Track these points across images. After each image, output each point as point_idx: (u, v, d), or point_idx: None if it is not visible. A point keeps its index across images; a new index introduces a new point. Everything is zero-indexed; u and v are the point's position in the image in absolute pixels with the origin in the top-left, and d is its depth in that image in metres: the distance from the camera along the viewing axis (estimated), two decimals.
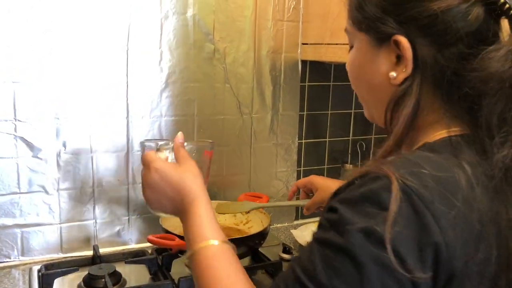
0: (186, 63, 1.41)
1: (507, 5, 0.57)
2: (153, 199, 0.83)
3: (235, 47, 1.47)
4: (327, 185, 1.19)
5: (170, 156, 0.87)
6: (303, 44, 1.56)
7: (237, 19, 1.46)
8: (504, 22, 0.59)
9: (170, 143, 0.91)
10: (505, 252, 0.56)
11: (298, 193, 1.32)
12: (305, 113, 1.64)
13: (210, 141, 1.13)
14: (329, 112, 1.67)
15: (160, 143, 0.94)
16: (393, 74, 0.63)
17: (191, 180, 0.79)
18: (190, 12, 1.39)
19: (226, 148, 1.53)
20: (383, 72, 0.64)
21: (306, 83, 1.61)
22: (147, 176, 0.81)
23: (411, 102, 0.61)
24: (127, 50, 1.34)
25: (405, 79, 0.62)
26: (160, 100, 1.40)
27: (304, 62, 1.58)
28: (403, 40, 0.61)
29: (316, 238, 0.57)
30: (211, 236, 0.72)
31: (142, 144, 1.13)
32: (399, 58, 0.62)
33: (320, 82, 1.63)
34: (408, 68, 0.61)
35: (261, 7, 1.48)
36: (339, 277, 0.52)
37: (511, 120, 0.56)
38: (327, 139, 1.69)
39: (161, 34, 1.37)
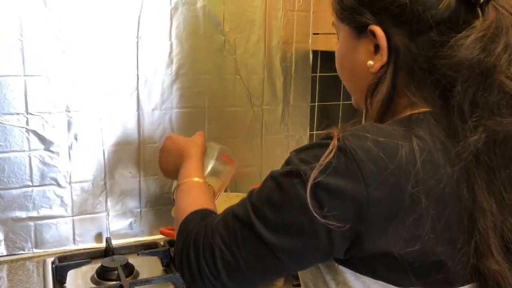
0: (196, 55, 1.41)
1: None
2: (163, 158, 1.09)
3: (245, 38, 1.46)
4: None
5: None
6: (314, 34, 1.54)
7: (247, 9, 1.44)
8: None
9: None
10: (476, 233, 0.58)
11: None
12: (316, 104, 1.62)
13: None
14: (341, 103, 1.65)
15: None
16: (370, 62, 0.65)
17: (191, 146, 1.03)
18: (200, 3, 1.38)
19: (237, 140, 1.53)
20: (362, 61, 0.67)
21: (318, 74, 1.60)
22: (163, 143, 1.10)
23: (384, 88, 0.64)
24: (137, 42, 1.33)
25: (381, 67, 0.64)
26: (171, 92, 1.40)
27: (315, 52, 1.56)
28: (378, 30, 0.63)
29: (271, 172, 0.65)
30: (194, 176, 0.93)
31: None
32: (377, 48, 0.64)
33: (332, 73, 1.61)
34: (383, 56, 0.64)
35: None
36: (267, 200, 0.61)
37: (482, 105, 0.58)
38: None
39: (171, 26, 1.36)
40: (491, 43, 0.58)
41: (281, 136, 1.59)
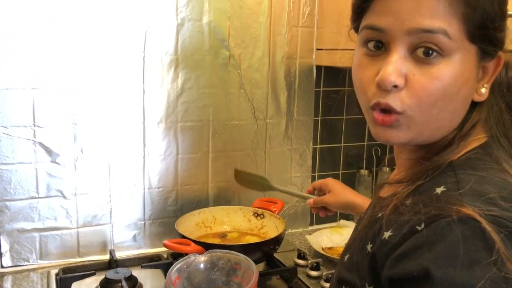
0: (202, 69, 1.43)
1: None
2: None
3: (250, 53, 1.48)
4: (340, 190, 1.16)
5: None
6: (318, 49, 1.56)
7: (252, 25, 1.47)
8: None
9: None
10: None
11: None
12: (319, 118, 1.64)
13: (249, 264, 0.79)
14: (344, 117, 1.67)
15: None
16: (482, 90, 0.60)
17: None
18: (205, 19, 1.40)
19: (241, 153, 1.54)
20: (475, 87, 0.60)
21: (321, 88, 1.61)
22: None
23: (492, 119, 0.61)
24: (143, 57, 1.35)
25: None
26: (176, 106, 1.42)
27: (318, 67, 1.58)
28: (503, 56, 0.59)
29: None
30: None
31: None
32: (484, 72, 0.60)
33: (335, 87, 1.63)
34: (489, 83, 0.60)
35: (275, 13, 1.49)
36: None
37: None
38: (342, 144, 1.69)
39: (177, 41, 1.38)
40: None
41: (285, 149, 1.60)
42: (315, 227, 1.69)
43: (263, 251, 1.30)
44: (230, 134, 1.51)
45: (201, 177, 1.50)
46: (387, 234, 0.56)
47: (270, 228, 1.42)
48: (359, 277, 0.59)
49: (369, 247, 0.59)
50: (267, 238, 1.34)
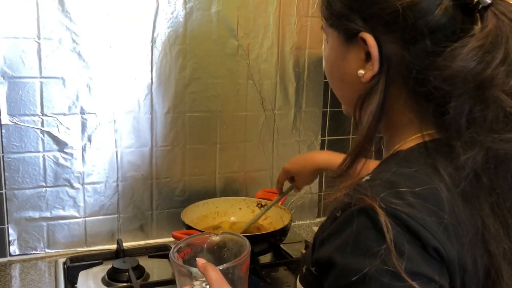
0: (210, 59, 1.42)
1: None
2: None
3: (258, 43, 1.47)
4: (300, 168, 1.26)
5: None
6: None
7: (261, 15, 1.45)
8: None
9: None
10: (488, 257, 0.54)
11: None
12: (328, 109, 1.62)
13: (246, 244, 0.79)
14: None
15: (194, 269, 0.72)
16: (361, 72, 0.61)
17: None
18: (214, 8, 1.39)
19: (249, 144, 1.53)
20: (353, 69, 0.62)
21: None
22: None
23: (375, 100, 0.59)
24: (152, 46, 1.34)
25: (373, 77, 0.60)
26: (184, 96, 1.41)
27: None
28: (369, 38, 0.58)
29: None
30: None
31: (172, 260, 0.77)
32: (368, 56, 0.60)
33: None
34: (374, 66, 0.59)
35: (285, 3, 1.47)
36: None
37: (480, 121, 0.53)
38: (351, 136, 1.68)
39: (185, 30, 1.37)
40: (488, 54, 0.53)
41: (293, 141, 1.59)
42: (322, 219, 1.68)
43: (269, 242, 1.29)
44: (238, 124, 1.50)
45: (208, 168, 1.49)
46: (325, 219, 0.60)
47: (275, 219, 1.41)
48: (308, 257, 0.62)
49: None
50: (272, 229, 1.33)
